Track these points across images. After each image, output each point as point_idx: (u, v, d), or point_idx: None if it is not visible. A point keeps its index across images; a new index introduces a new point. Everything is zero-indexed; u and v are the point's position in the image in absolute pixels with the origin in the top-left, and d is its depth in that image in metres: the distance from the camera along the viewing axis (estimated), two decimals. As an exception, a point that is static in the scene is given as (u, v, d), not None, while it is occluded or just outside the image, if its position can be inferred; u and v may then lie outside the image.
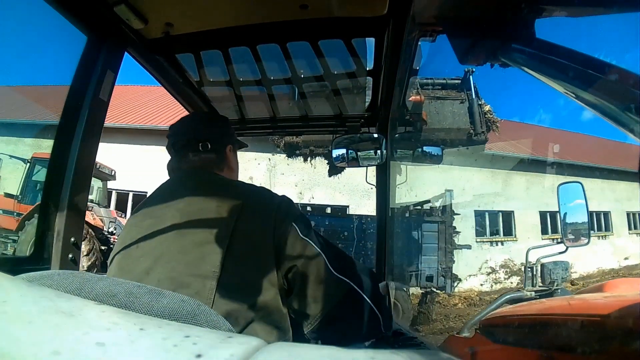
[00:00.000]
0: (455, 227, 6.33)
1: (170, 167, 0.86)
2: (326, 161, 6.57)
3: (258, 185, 0.82)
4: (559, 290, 1.97)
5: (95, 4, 0.86)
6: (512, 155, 8.92)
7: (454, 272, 6.03)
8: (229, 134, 0.92)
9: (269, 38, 1.04)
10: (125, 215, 8.13)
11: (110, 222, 6.98)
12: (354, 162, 1.43)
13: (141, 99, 10.88)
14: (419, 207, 6.50)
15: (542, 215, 9.13)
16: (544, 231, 9.12)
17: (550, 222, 9.20)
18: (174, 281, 0.59)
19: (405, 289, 5.77)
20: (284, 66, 1.16)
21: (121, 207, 9.20)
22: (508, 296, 1.70)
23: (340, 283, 0.66)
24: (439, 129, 5.83)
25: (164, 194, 0.76)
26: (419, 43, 0.92)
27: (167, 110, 9.24)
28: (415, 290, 6.20)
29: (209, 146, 0.83)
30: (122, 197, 9.55)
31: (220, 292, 0.59)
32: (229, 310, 0.58)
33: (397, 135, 1.50)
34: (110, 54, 0.95)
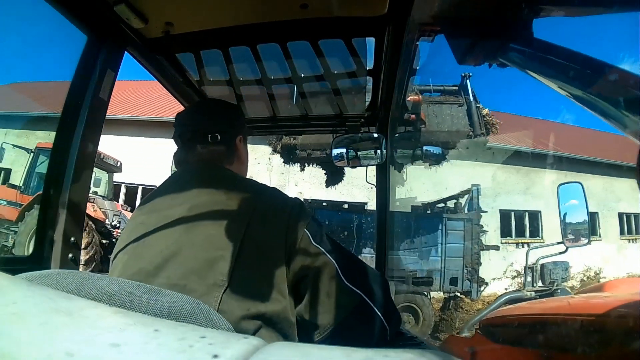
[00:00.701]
0: (482, 226, 5.80)
1: (177, 159, 0.82)
2: (323, 171, 6.17)
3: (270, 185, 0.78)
4: (559, 290, 1.97)
5: (95, 3, 0.86)
6: (541, 152, 8.52)
7: (480, 275, 5.57)
8: (239, 124, 0.88)
9: (269, 38, 1.04)
10: (132, 209, 7.82)
11: (114, 215, 6.71)
12: (354, 162, 1.43)
13: (154, 92, 10.71)
14: (441, 205, 6.08)
15: (579, 215, 8.73)
16: (582, 233, 8.71)
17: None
18: (181, 288, 0.57)
19: (426, 293, 5.42)
20: (284, 66, 1.16)
21: (131, 201, 9.02)
22: (508, 296, 1.70)
23: (352, 294, 0.64)
24: (438, 131, 5.74)
25: (171, 189, 0.73)
26: (419, 43, 0.92)
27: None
28: (437, 295, 5.77)
29: (219, 138, 0.79)
30: (131, 190, 9.44)
31: (227, 300, 0.57)
32: (235, 319, 0.56)
33: (396, 135, 1.50)
34: (111, 53, 0.95)
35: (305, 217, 0.68)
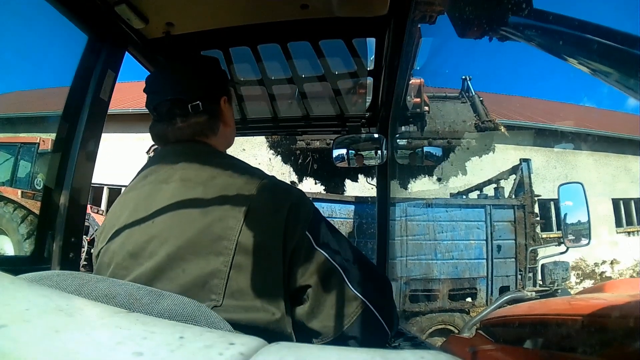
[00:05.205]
0: (537, 214, 4.43)
1: (155, 133, 0.70)
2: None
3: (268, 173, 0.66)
4: (560, 291, 1.97)
5: (96, 3, 0.86)
6: (578, 131, 7.55)
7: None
8: (222, 83, 0.76)
9: (270, 38, 1.04)
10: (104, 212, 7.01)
11: None
12: (358, 161, 1.43)
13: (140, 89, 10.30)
14: (478, 191, 4.95)
15: (616, 203, 7.74)
16: (618, 223, 7.78)
17: (625, 212, 7.89)
18: None
19: (467, 309, 4.22)
20: (284, 66, 1.16)
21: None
22: (508, 296, 1.70)
23: (356, 301, 0.60)
24: (444, 123, 5.49)
25: (151, 179, 0.64)
26: (420, 43, 0.92)
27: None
28: (480, 309, 4.32)
29: (201, 107, 0.67)
30: (114, 193, 8.92)
31: (219, 314, 0.52)
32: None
33: (397, 136, 1.50)
34: (111, 53, 0.95)
35: (306, 215, 0.61)
